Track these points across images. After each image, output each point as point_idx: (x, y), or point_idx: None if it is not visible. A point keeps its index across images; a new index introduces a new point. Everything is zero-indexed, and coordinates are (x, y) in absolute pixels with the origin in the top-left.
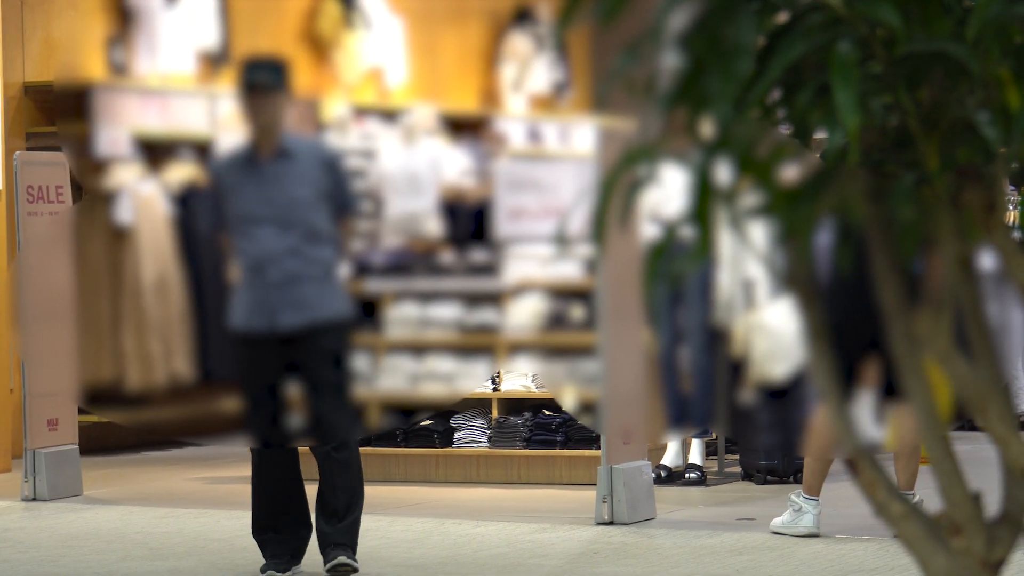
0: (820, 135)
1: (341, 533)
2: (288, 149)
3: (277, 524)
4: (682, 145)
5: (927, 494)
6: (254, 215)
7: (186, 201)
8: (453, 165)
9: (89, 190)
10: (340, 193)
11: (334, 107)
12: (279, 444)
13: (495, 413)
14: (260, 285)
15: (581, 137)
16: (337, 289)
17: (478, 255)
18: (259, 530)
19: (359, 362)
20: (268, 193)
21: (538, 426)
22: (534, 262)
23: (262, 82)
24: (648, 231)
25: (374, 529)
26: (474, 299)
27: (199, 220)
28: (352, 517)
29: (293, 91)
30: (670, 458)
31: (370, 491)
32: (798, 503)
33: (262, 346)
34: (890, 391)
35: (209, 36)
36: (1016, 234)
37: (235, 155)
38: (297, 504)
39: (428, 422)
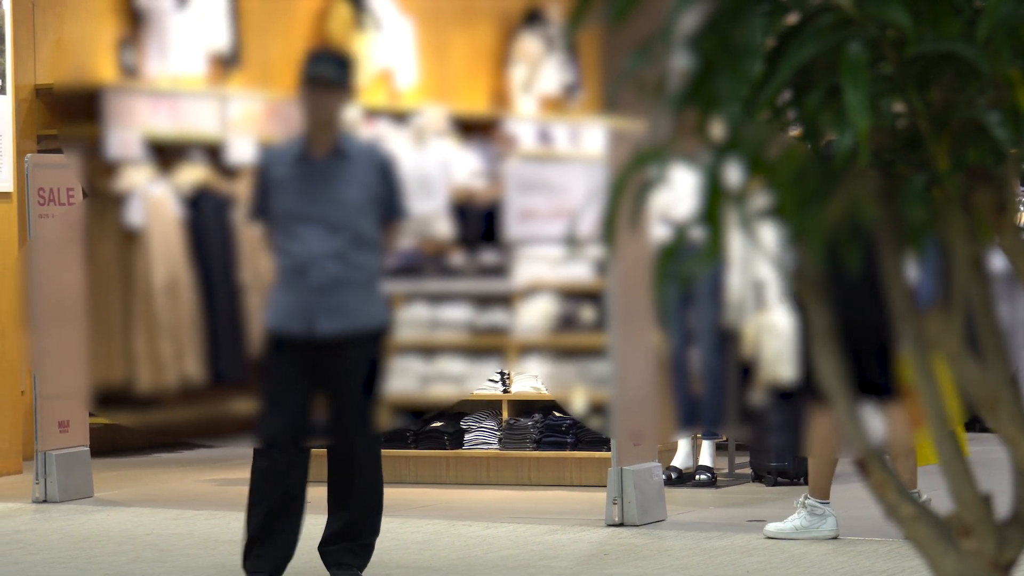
0: (831, 136)
1: (344, 552)
2: (344, 149)
3: (269, 537)
4: (692, 146)
5: (938, 495)
6: (301, 213)
7: (197, 203)
8: (463, 166)
9: (99, 192)
10: (391, 200)
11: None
12: (291, 449)
13: (505, 415)
14: (301, 287)
15: (591, 138)
16: (378, 297)
17: (488, 256)
18: (249, 547)
19: None
20: (319, 192)
21: (548, 427)
22: (544, 263)
23: (325, 76)
24: (658, 232)
25: (384, 531)
26: (484, 300)
27: (212, 220)
28: (365, 541)
29: (355, 89)
30: (680, 460)
31: None
32: (820, 508)
33: (295, 349)
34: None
35: (220, 38)
36: None
37: (287, 148)
38: (295, 518)
39: (438, 423)
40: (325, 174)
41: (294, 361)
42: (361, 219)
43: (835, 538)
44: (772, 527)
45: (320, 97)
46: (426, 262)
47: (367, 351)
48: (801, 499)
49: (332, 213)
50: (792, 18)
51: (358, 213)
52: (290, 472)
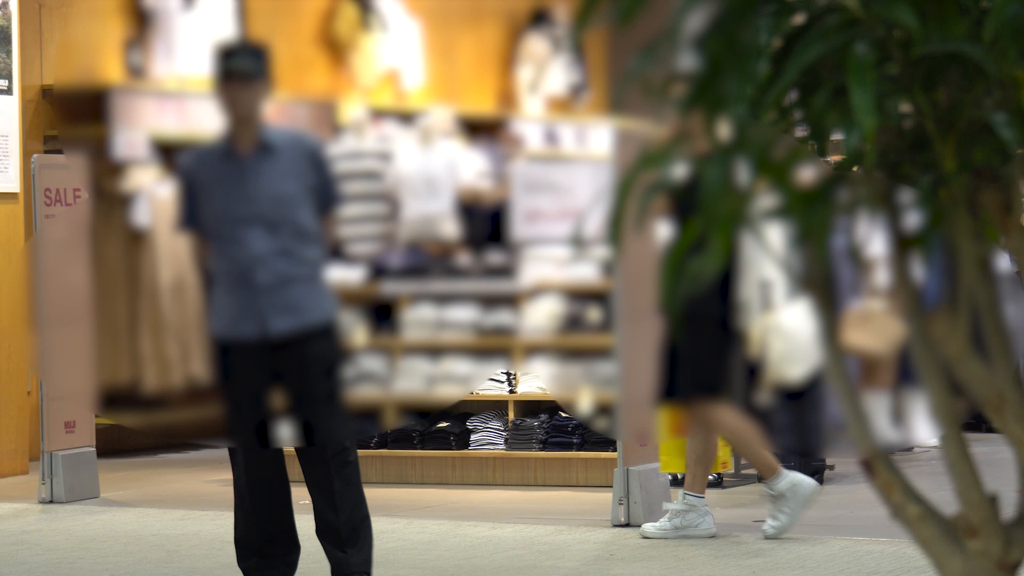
0: (837, 136)
1: (357, 562)
2: (270, 142)
3: (264, 549)
4: (699, 147)
5: (944, 496)
6: (236, 215)
7: None
8: (470, 167)
9: (105, 193)
10: (326, 187)
11: (351, 109)
12: (265, 457)
13: (511, 415)
14: (247, 289)
15: (598, 139)
16: (325, 290)
17: (495, 257)
18: (243, 557)
19: (375, 364)
20: (251, 191)
21: (554, 428)
22: (551, 264)
23: (241, 69)
24: (665, 233)
25: (390, 531)
26: (490, 301)
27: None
28: (364, 541)
29: (272, 78)
30: None
31: (387, 493)
32: (701, 506)
33: (249, 353)
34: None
35: (226, 38)
36: None
37: (209, 150)
38: (286, 526)
39: (444, 424)
40: (254, 171)
41: (251, 369)
42: (299, 212)
43: (713, 536)
44: (650, 527)
45: (238, 92)
46: (432, 263)
47: (323, 346)
48: (680, 497)
49: (269, 210)
50: (798, 18)
51: (295, 206)
52: (271, 477)
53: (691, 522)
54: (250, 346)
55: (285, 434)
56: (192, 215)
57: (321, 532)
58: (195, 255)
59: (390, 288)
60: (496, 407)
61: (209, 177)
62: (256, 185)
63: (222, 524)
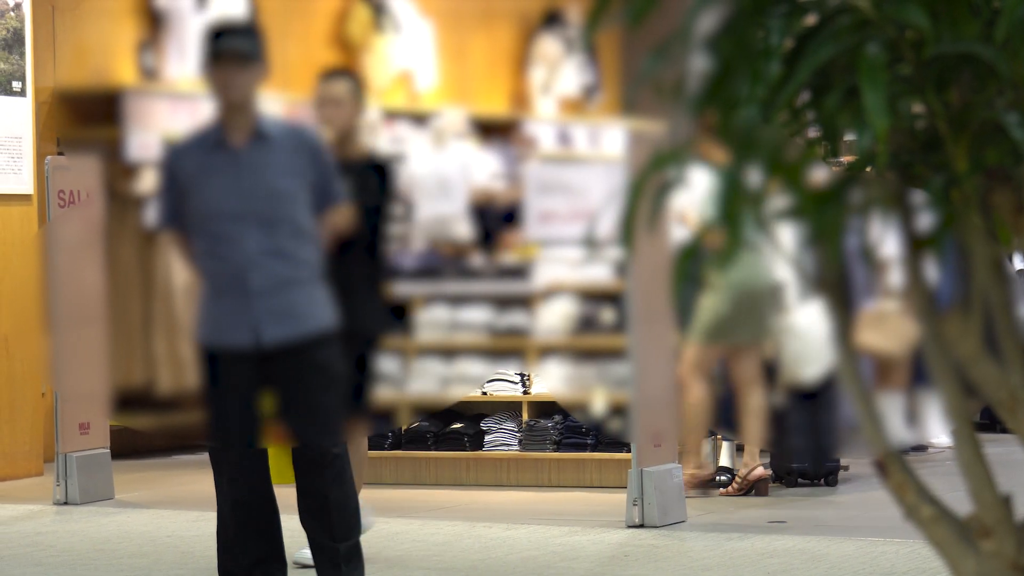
0: (849, 137)
1: (329, 567)
2: (265, 132)
3: (252, 572)
4: (711, 147)
5: (958, 497)
6: (229, 210)
7: None
8: (483, 168)
9: (119, 194)
10: (326, 184)
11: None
12: (251, 473)
13: (525, 416)
14: (239, 293)
15: (610, 140)
16: (323, 295)
17: (508, 258)
18: (226, 573)
19: (389, 365)
20: (246, 185)
21: (568, 429)
22: (564, 265)
23: (236, 50)
24: (677, 233)
25: (404, 532)
26: (504, 302)
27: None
28: (352, 541)
29: (269, 61)
30: None
31: (400, 494)
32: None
33: (239, 364)
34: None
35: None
36: None
37: (196, 139)
38: (275, 545)
39: (458, 425)
40: (250, 163)
41: (241, 381)
42: (298, 210)
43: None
44: (307, 553)
45: (232, 75)
46: (445, 264)
47: (322, 357)
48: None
49: (265, 207)
50: (810, 19)
51: (294, 203)
52: (263, 512)
53: None
54: (241, 355)
55: (274, 442)
56: (176, 212)
57: (317, 552)
58: (181, 255)
59: (404, 289)
60: (510, 408)
61: (198, 168)
62: (252, 179)
63: None
